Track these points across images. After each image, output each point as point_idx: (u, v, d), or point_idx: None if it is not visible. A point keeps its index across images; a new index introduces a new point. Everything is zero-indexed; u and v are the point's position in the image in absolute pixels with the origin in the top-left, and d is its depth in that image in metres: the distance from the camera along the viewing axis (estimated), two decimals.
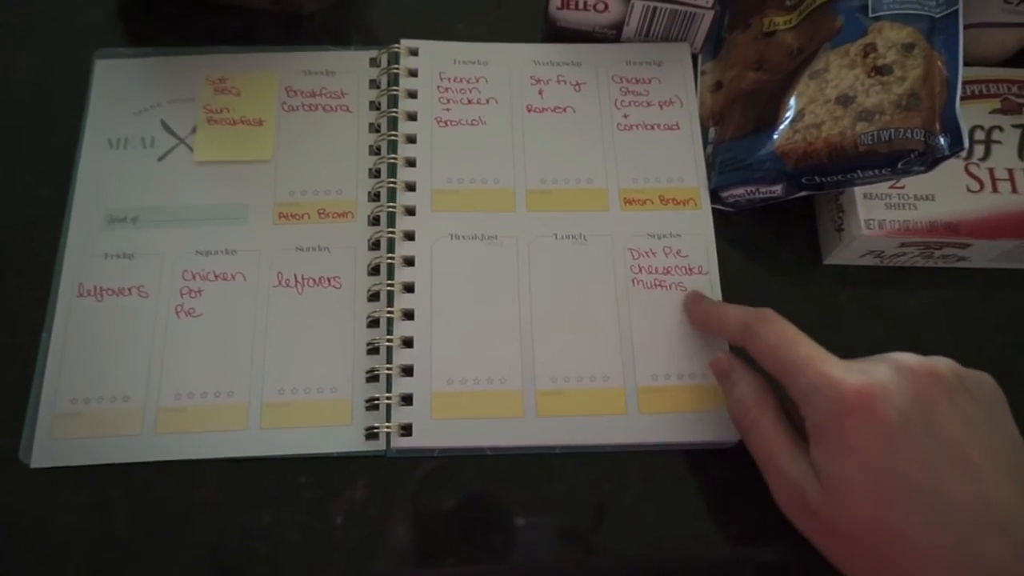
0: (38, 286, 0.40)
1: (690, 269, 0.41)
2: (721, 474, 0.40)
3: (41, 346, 0.39)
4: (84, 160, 0.43)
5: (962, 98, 0.42)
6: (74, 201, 0.42)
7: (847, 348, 0.42)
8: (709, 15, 0.45)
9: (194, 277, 0.41)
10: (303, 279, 0.41)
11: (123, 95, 0.45)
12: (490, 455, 0.39)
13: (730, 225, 0.44)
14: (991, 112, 0.43)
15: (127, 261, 0.41)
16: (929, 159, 0.36)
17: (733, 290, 0.42)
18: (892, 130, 0.37)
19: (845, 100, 0.39)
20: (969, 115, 0.43)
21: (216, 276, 0.41)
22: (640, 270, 0.41)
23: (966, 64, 0.43)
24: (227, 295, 0.41)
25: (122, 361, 0.39)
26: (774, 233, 0.45)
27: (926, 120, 0.36)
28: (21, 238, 0.42)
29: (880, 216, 0.41)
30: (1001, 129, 0.43)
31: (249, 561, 0.37)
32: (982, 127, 0.43)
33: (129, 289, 0.41)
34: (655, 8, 0.45)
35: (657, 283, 0.41)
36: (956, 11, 0.37)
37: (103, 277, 0.41)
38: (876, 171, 0.38)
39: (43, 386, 0.39)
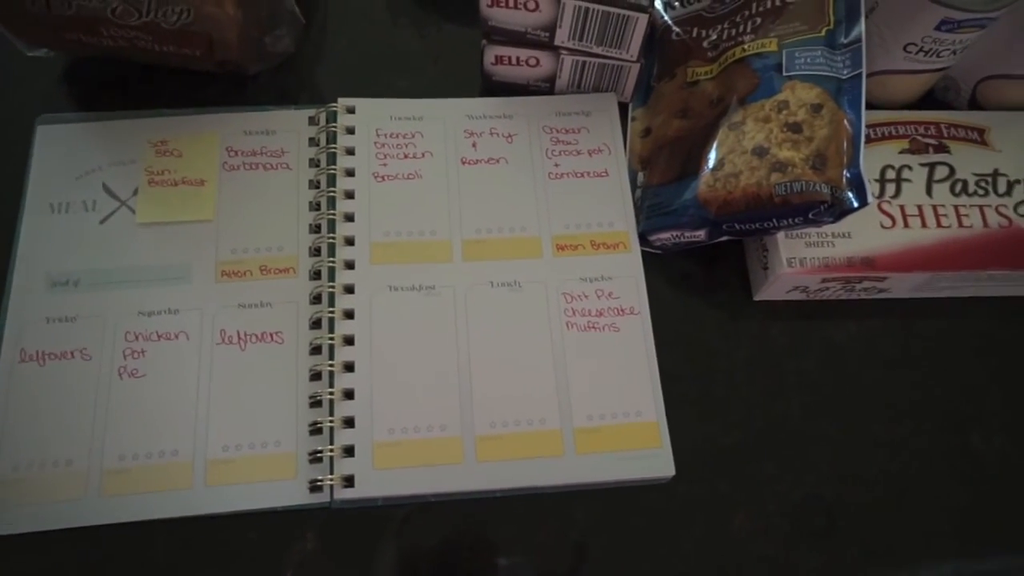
0: None
1: (622, 310, 0.43)
2: (661, 509, 0.41)
3: None
4: (26, 225, 0.44)
5: (872, 139, 0.45)
6: (15, 266, 0.43)
7: (779, 380, 0.44)
8: (636, 68, 0.47)
9: (137, 338, 0.41)
10: (246, 335, 0.42)
11: (65, 159, 0.45)
12: (434, 502, 0.40)
13: (663, 265, 0.46)
14: (900, 152, 0.46)
15: (69, 324, 0.42)
16: (837, 211, 0.39)
17: (667, 328, 0.43)
18: (803, 182, 0.39)
19: (760, 151, 0.41)
20: (880, 155, 0.46)
21: (159, 336, 0.42)
22: (574, 313, 0.43)
23: (879, 107, 0.45)
24: (170, 355, 0.41)
25: (65, 425, 0.39)
26: (705, 272, 0.47)
27: (832, 178, 0.39)
28: None
29: (801, 254, 0.43)
30: (910, 168, 0.45)
31: None
32: (892, 166, 0.45)
33: (72, 352, 0.41)
34: (584, 62, 0.47)
35: (590, 325, 0.42)
36: (860, 73, 0.40)
37: (45, 341, 0.41)
38: (790, 220, 0.40)
39: None
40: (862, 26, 0.41)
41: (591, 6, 0.42)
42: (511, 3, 0.43)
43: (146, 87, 0.49)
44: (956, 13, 0.41)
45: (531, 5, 0.43)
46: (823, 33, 0.42)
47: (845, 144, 0.40)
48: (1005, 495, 0.43)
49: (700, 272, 0.46)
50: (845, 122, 0.40)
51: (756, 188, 0.40)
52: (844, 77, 0.41)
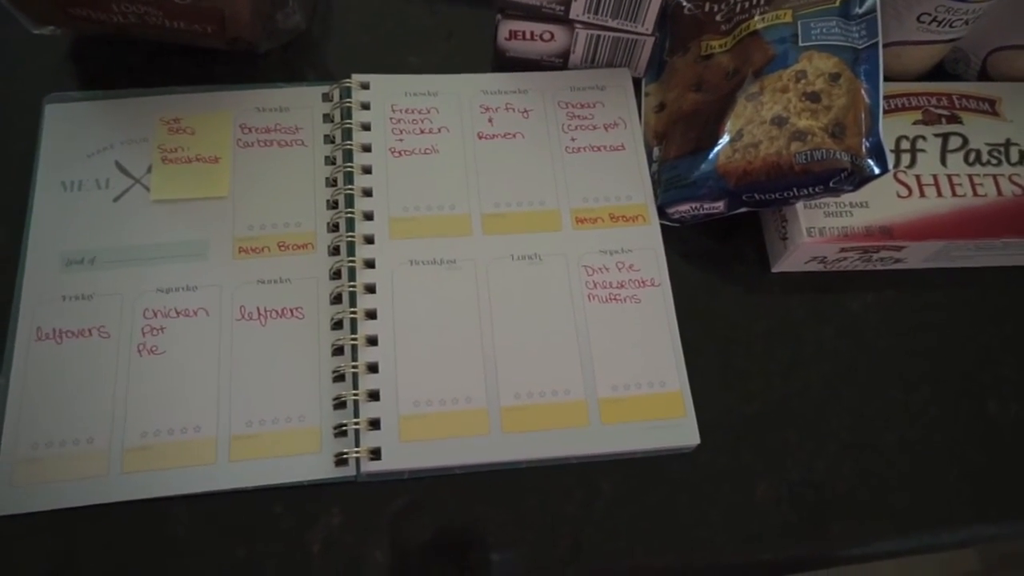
0: None
1: (643, 282, 0.43)
2: (685, 478, 0.41)
3: None
4: (38, 203, 0.43)
5: (886, 111, 0.45)
6: (29, 245, 0.42)
7: (798, 350, 0.45)
8: (650, 41, 0.47)
9: (155, 315, 0.41)
10: (266, 311, 0.41)
11: (75, 138, 0.45)
12: (460, 474, 0.39)
13: (681, 239, 0.46)
14: (914, 123, 0.46)
15: (86, 302, 0.41)
16: (857, 179, 0.39)
17: (687, 301, 0.44)
18: (824, 150, 0.39)
19: (780, 121, 0.41)
20: (894, 127, 0.46)
21: (178, 313, 0.41)
22: (595, 285, 0.43)
23: (889, 79, 0.46)
24: (190, 331, 0.41)
25: (85, 403, 0.39)
26: (723, 244, 0.47)
27: (851, 146, 0.39)
28: None
29: (820, 224, 0.43)
30: (924, 138, 0.46)
31: None
32: (907, 137, 0.46)
33: (89, 330, 0.40)
34: (599, 36, 0.47)
35: (612, 297, 0.42)
36: (877, 43, 0.40)
37: (62, 319, 0.40)
38: (810, 189, 0.40)
39: (3, 432, 0.38)
40: None
41: None
42: None
43: (154, 66, 0.48)
44: None
45: None
46: (838, 3, 0.42)
47: (863, 114, 0.40)
48: (1022, 461, 0.43)
49: (717, 245, 0.47)
50: (862, 91, 0.40)
51: (776, 157, 0.41)
52: (860, 47, 0.41)
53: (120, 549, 0.37)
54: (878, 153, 0.39)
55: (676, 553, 0.40)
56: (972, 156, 0.45)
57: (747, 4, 0.46)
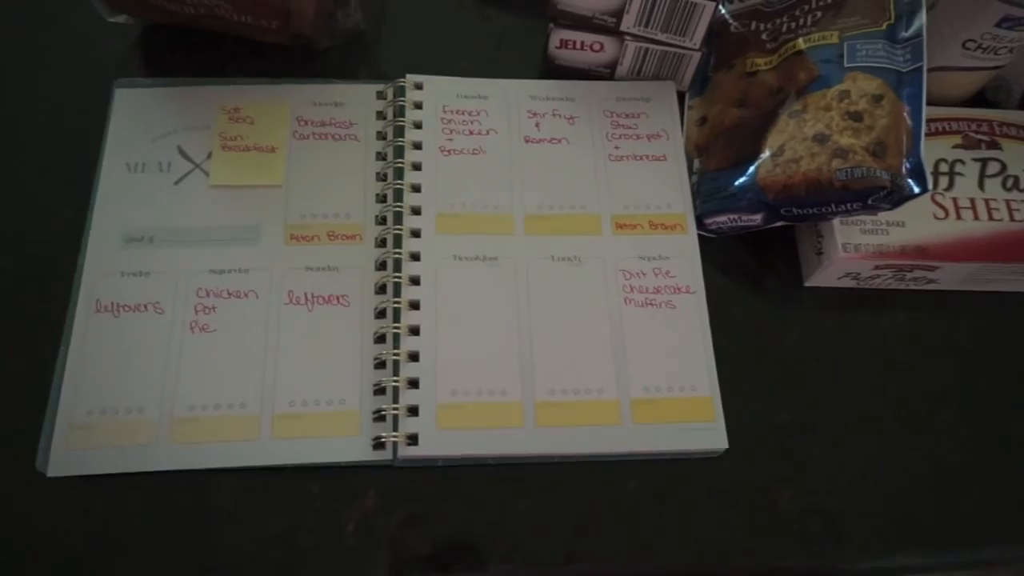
0: (58, 302, 0.42)
1: (678, 289, 0.44)
2: (711, 482, 0.42)
3: (59, 359, 0.41)
4: (103, 183, 0.45)
5: (927, 135, 0.46)
6: (93, 221, 0.44)
7: (828, 364, 0.45)
8: (696, 56, 0.48)
9: (208, 294, 0.43)
10: (313, 297, 0.43)
11: (141, 122, 0.47)
12: (493, 464, 0.41)
13: (716, 249, 0.47)
14: (953, 147, 0.47)
15: (143, 279, 0.43)
16: (896, 197, 0.40)
17: (720, 311, 0.44)
18: (864, 168, 0.40)
19: (822, 138, 0.42)
20: (934, 150, 0.47)
21: (229, 294, 0.43)
22: (632, 289, 0.44)
23: (931, 103, 0.47)
24: (240, 312, 0.42)
25: (138, 374, 0.41)
26: (758, 257, 0.48)
27: (892, 165, 0.40)
28: (43, 256, 0.44)
29: (856, 240, 0.44)
30: (963, 163, 0.46)
31: (263, 567, 0.38)
32: (946, 160, 0.46)
33: (145, 306, 0.42)
34: (647, 49, 0.48)
35: (648, 302, 0.44)
36: (921, 67, 0.41)
37: (120, 294, 0.42)
38: (848, 205, 0.41)
39: (60, 398, 0.40)
40: (923, 20, 0.42)
41: None
42: None
43: (217, 57, 0.50)
44: (1018, 10, 0.42)
45: None
46: (884, 27, 0.43)
47: (904, 135, 0.41)
48: None
49: (751, 257, 0.48)
50: (905, 113, 0.41)
51: (816, 173, 0.42)
52: (904, 70, 0.42)
53: (163, 515, 0.39)
54: (918, 173, 0.40)
55: (698, 555, 0.40)
56: (1010, 182, 0.46)
57: (793, 24, 0.47)
